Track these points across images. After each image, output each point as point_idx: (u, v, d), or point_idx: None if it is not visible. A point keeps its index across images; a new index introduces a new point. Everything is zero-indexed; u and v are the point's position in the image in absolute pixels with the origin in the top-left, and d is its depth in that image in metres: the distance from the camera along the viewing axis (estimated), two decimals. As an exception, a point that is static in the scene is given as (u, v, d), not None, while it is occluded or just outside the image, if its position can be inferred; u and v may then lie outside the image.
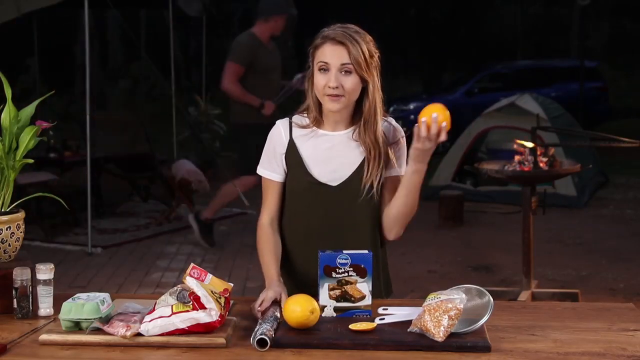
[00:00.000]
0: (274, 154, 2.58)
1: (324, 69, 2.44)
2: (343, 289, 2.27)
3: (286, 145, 2.56)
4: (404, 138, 2.59)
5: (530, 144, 5.30)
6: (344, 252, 2.29)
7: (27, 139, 2.36)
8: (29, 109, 2.41)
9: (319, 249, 2.33)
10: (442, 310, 2.06)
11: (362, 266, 2.28)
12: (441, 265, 6.36)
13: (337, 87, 2.42)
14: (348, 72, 2.42)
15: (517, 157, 5.34)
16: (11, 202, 2.39)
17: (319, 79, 2.45)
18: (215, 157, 9.78)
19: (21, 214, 2.39)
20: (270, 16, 6.65)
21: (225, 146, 11.37)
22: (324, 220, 2.53)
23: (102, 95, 17.95)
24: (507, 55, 21.13)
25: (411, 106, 13.65)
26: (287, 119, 2.60)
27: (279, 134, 2.58)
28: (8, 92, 2.39)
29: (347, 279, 2.28)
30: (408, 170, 2.44)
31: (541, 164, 5.28)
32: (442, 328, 2.04)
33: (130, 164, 8.46)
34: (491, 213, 8.39)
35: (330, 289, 2.28)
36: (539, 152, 5.29)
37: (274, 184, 2.59)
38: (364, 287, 2.27)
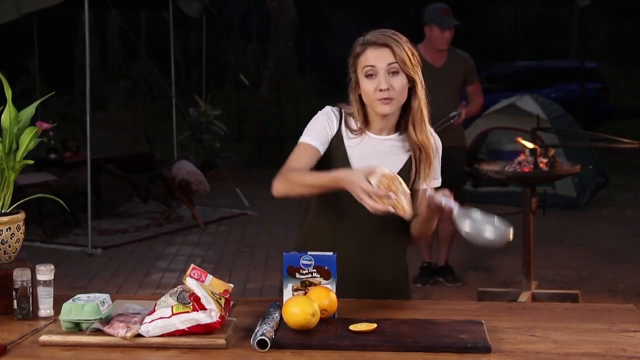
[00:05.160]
0: (324, 130, 2.49)
1: (371, 73, 2.40)
2: (307, 290, 2.27)
3: (334, 133, 2.51)
4: (441, 149, 2.59)
5: (531, 145, 5.31)
6: (309, 253, 2.28)
7: (27, 139, 2.36)
8: (29, 110, 2.41)
9: (345, 247, 2.36)
10: (394, 188, 2.16)
11: (326, 268, 2.27)
12: (441, 266, 6.35)
13: (388, 89, 2.39)
14: (395, 72, 2.40)
15: (520, 157, 5.34)
16: (11, 203, 2.39)
17: (368, 85, 2.41)
18: (216, 157, 9.79)
19: (21, 215, 2.39)
20: (426, 24, 5.70)
21: (225, 147, 11.39)
22: (355, 220, 2.49)
23: (102, 95, 17.99)
24: (507, 56, 21.13)
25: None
26: (338, 109, 2.53)
27: (330, 119, 2.51)
28: (8, 93, 2.38)
29: (310, 280, 2.28)
30: (424, 209, 2.43)
31: (541, 165, 5.28)
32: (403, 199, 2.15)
33: (130, 165, 8.47)
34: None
35: (294, 290, 2.28)
36: (539, 153, 5.29)
37: (312, 149, 2.47)
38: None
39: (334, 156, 2.50)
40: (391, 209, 2.16)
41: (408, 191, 2.20)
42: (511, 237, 2.19)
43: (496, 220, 2.23)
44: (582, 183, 8.83)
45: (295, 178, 2.40)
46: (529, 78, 15.07)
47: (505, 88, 13.78)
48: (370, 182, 2.17)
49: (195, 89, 12.66)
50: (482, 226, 2.22)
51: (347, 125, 2.51)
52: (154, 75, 15.55)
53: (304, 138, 2.49)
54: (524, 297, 5.20)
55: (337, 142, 2.50)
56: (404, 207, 2.17)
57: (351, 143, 2.50)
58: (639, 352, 2.02)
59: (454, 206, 2.25)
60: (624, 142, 5.44)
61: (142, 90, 19.77)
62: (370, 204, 2.17)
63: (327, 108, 2.54)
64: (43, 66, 12.36)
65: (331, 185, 2.31)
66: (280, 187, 2.43)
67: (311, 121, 2.54)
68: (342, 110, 2.53)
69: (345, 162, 2.48)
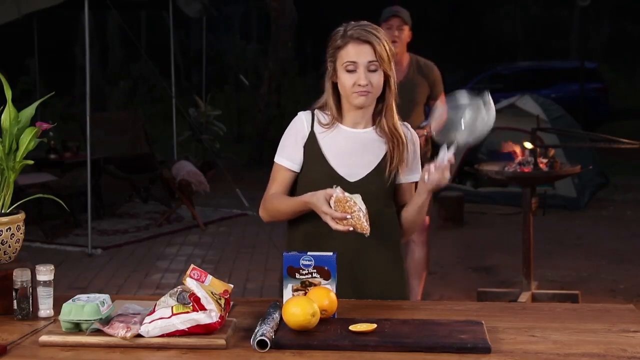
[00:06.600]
0: (294, 143, 2.58)
1: (352, 69, 2.48)
2: (307, 290, 2.27)
3: (307, 136, 2.57)
4: (418, 143, 2.65)
5: (530, 145, 5.32)
6: (308, 253, 2.29)
7: (27, 140, 2.36)
8: (29, 110, 2.41)
9: (329, 245, 2.38)
10: (349, 209, 2.28)
11: (326, 268, 2.28)
12: (441, 267, 6.36)
13: (367, 85, 2.47)
14: (374, 69, 2.48)
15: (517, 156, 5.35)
16: (11, 203, 2.39)
17: (347, 79, 2.49)
18: (215, 158, 9.79)
19: (21, 215, 2.39)
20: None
21: (225, 147, 11.38)
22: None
23: (102, 96, 17.98)
24: (507, 57, 21.13)
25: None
26: (310, 111, 2.61)
27: (301, 124, 2.59)
28: (8, 93, 2.38)
29: (310, 280, 2.28)
30: (418, 197, 2.52)
31: (541, 165, 5.29)
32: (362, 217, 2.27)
33: (131, 165, 8.47)
34: (491, 214, 8.39)
35: (294, 290, 2.28)
36: (539, 154, 5.29)
37: (287, 173, 2.59)
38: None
39: (310, 157, 2.56)
40: (351, 229, 2.32)
41: (364, 208, 2.31)
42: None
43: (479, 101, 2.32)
44: (582, 183, 8.83)
45: (272, 207, 2.59)
46: (529, 78, 15.08)
47: (505, 88, 13.77)
48: (330, 204, 2.32)
49: (195, 90, 12.66)
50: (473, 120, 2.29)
51: (319, 123, 2.58)
52: (154, 75, 15.54)
53: (277, 157, 2.62)
54: (524, 297, 5.20)
55: (311, 143, 2.57)
56: (362, 225, 2.31)
57: (323, 137, 2.57)
58: (639, 352, 2.02)
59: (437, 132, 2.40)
60: (624, 143, 5.44)
61: (142, 90, 19.76)
62: (332, 226, 2.33)
63: (299, 114, 2.62)
64: (43, 66, 12.35)
65: (303, 209, 2.47)
66: (264, 215, 2.64)
67: (283, 135, 2.63)
68: (314, 111, 2.60)
69: (321, 159, 2.55)
